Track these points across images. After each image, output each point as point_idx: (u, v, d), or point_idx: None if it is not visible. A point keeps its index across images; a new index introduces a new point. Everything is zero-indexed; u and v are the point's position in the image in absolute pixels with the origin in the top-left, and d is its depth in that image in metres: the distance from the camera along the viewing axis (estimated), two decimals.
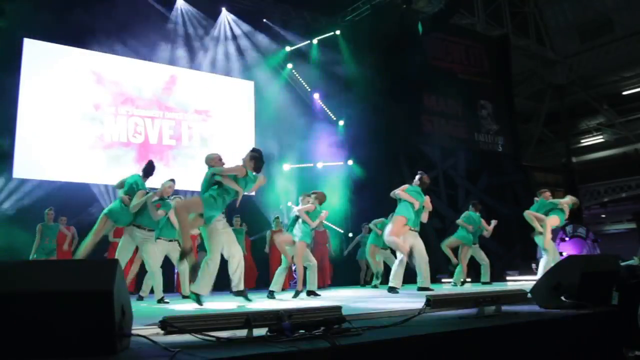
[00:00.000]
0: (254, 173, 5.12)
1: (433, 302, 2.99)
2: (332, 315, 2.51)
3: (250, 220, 10.07)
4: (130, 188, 6.04)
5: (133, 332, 2.20)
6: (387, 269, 9.76)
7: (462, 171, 13.33)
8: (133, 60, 10.67)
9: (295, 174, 12.11)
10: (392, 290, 6.57)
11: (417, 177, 6.96)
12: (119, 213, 6.01)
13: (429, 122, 13.10)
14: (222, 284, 7.03)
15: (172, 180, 6.51)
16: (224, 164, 5.10)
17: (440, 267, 9.89)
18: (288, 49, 12.60)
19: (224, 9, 11.81)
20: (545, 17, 17.79)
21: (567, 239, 10.92)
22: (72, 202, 8.99)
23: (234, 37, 11.97)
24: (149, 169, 6.29)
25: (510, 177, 13.90)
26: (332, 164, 12.46)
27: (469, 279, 10.18)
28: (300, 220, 6.46)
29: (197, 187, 9.63)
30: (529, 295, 3.77)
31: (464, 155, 13.39)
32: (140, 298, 6.71)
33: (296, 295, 6.34)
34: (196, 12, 11.39)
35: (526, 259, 8.76)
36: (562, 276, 3.57)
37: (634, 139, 19.42)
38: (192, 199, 5.39)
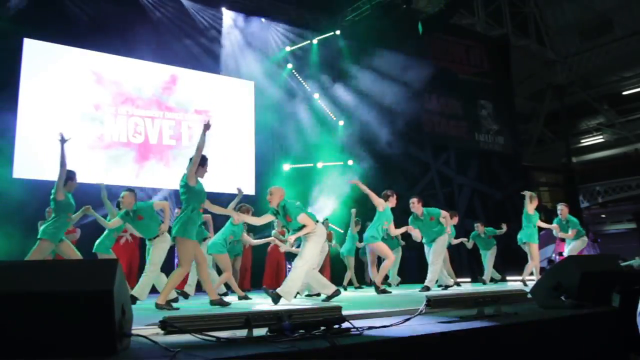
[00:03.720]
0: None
1: (433, 302, 2.99)
2: (332, 315, 2.51)
3: None
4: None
5: (133, 332, 2.20)
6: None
7: (454, 166, 13.34)
8: (133, 60, 10.66)
9: (295, 174, 12.11)
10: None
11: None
12: None
13: (429, 122, 13.11)
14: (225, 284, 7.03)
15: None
16: None
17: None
18: (288, 49, 12.61)
19: (224, 9, 11.81)
20: (545, 17, 17.80)
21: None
22: None
23: (234, 37, 11.97)
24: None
25: (509, 188, 13.86)
26: (332, 164, 12.45)
27: (468, 279, 10.20)
28: None
29: None
30: (529, 295, 3.77)
31: (455, 150, 13.42)
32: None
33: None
34: (196, 12, 11.40)
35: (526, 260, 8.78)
36: (562, 276, 3.57)
37: (634, 139, 19.42)
38: None
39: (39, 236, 5.71)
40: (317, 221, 5.35)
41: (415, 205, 7.21)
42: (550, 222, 8.51)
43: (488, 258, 9.54)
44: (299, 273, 5.07)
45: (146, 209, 5.95)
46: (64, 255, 5.78)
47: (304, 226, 5.17)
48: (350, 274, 9.49)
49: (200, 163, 5.01)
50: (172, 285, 4.95)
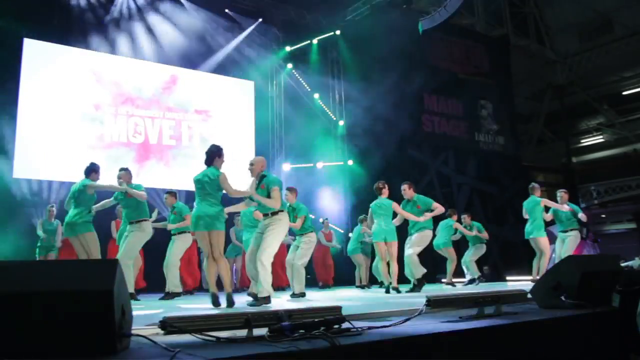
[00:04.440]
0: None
1: (433, 302, 2.99)
2: (332, 315, 2.51)
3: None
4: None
5: (133, 332, 2.20)
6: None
7: (453, 166, 13.35)
8: (133, 60, 10.67)
9: (295, 174, 12.11)
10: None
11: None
12: None
13: (429, 122, 13.11)
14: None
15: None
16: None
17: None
18: (288, 49, 12.62)
19: (224, 9, 11.81)
20: (545, 17, 17.79)
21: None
22: None
23: (234, 37, 11.98)
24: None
25: (509, 188, 13.86)
26: (332, 164, 12.46)
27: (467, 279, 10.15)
28: None
29: None
30: (529, 295, 3.77)
31: (455, 150, 13.43)
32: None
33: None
34: (196, 12, 11.39)
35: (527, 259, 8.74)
36: (562, 276, 3.57)
37: (634, 139, 19.39)
38: None
39: (82, 233, 5.77)
40: (285, 209, 5.19)
41: (406, 191, 7.18)
42: (551, 222, 8.45)
43: (472, 254, 9.21)
44: (265, 268, 4.85)
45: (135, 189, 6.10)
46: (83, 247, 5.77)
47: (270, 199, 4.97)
48: (362, 273, 9.44)
49: (217, 154, 5.08)
50: (228, 275, 4.96)
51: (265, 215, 5.10)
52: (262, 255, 4.87)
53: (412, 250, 7.06)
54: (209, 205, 4.89)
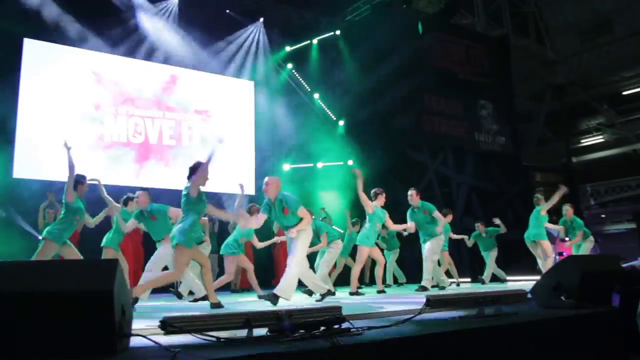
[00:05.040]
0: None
1: (433, 302, 2.99)
2: (332, 315, 2.51)
3: None
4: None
5: (133, 332, 2.20)
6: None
7: (453, 166, 13.35)
8: (133, 60, 10.66)
9: (295, 174, 12.11)
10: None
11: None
12: None
13: (429, 122, 13.10)
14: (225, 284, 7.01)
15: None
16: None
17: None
18: (288, 49, 12.61)
19: (224, 9, 11.81)
20: (545, 17, 17.79)
21: (566, 239, 10.95)
22: None
23: (234, 37, 11.97)
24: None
25: (509, 188, 13.88)
26: (332, 164, 12.45)
27: (468, 279, 10.20)
28: None
29: None
30: (529, 295, 3.77)
31: (455, 150, 13.44)
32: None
33: None
34: (196, 12, 11.38)
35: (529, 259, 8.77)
36: (562, 276, 3.58)
37: (634, 139, 19.39)
38: None
39: (42, 235, 5.71)
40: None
41: (413, 197, 7.27)
42: (551, 222, 8.49)
43: (490, 258, 9.48)
44: (294, 271, 5.02)
45: (161, 212, 5.98)
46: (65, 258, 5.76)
47: (301, 220, 5.07)
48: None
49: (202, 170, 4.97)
50: (155, 284, 4.99)
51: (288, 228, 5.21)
52: (291, 261, 5.07)
53: (433, 261, 7.32)
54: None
